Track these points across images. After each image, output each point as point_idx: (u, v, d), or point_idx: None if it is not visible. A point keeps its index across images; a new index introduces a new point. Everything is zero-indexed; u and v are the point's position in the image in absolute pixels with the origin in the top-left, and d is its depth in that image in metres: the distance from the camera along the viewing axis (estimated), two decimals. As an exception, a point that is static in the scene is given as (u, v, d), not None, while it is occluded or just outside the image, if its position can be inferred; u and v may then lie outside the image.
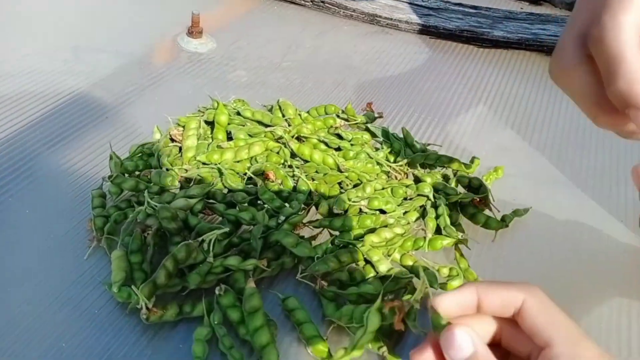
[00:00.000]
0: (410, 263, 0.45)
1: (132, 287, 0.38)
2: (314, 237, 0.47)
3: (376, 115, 0.64)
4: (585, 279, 0.49)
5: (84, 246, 0.46)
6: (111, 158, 0.50)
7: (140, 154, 0.53)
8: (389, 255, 0.46)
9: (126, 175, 0.50)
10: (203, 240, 0.42)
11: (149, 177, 0.49)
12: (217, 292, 0.40)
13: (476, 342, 0.30)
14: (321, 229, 0.48)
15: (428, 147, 0.58)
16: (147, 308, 0.39)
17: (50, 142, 0.56)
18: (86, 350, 0.38)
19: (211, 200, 0.48)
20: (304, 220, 0.48)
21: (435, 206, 0.49)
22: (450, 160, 0.54)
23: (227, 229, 0.43)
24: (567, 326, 0.30)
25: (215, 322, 0.39)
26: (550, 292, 0.46)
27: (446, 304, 0.31)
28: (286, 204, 0.48)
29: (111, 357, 0.38)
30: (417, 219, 0.50)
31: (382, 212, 0.48)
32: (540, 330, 0.29)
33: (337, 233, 0.47)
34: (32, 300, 0.41)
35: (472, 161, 0.57)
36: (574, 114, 0.71)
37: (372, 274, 0.44)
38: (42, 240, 0.46)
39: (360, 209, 0.48)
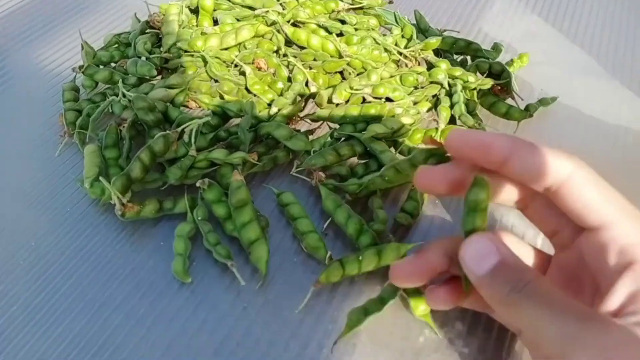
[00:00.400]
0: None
1: (102, 178, 0.34)
2: (311, 132, 0.42)
3: (386, -1, 0.56)
4: (618, 173, 0.43)
5: (55, 143, 0.41)
6: (82, 48, 0.45)
7: (116, 45, 0.47)
8: (395, 149, 0.40)
9: (100, 67, 0.45)
10: (184, 132, 0.38)
11: (125, 67, 0.44)
12: (199, 185, 0.36)
13: (502, 250, 0.25)
14: (320, 122, 0.43)
15: (444, 33, 0.51)
16: (122, 203, 0.35)
17: (18, 37, 0.51)
18: (58, 249, 0.35)
19: (194, 91, 0.42)
20: (301, 114, 0.43)
21: (450, 94, 0.43)
22: (469, 44, 0.47)
23: (209, 118, 0.38)
24: (628, 205, 0.25)
25: (199, 218, 0.35)
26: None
27: (463, 138, 0.26)
28: (280, 96, 0.43)
29: (86, 255, 0.35)
30: (429, 109, 0.44)
31: (389, 100, 0.42)
32: (596, 208, 0.25)
33: (337, 126, 0.42)
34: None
35: (494, 48, 0.50)
36: (611, 1, 0.62)
37: (375, 167, 0.39)
38: (10, 141, 0.42)
39: (364, 98, 0.42)
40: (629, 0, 0.43)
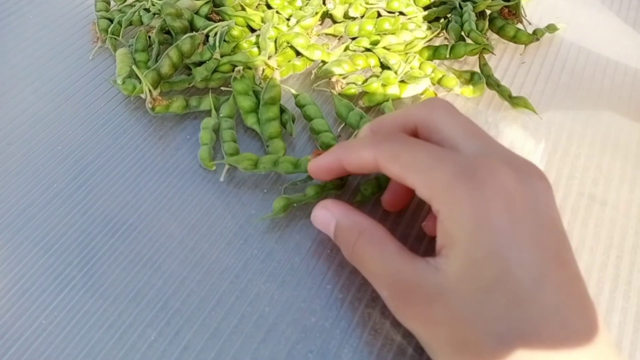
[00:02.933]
0: (429, 70, 0.42)
1: (135, 68, 0.37)
2: (327, 46, 0.44)
3: None
4: (619, 101, 0.45)
5: (88, 49, 0.44)
6: (112, -37, 0.47)
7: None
8: (408, 63, 0.43)
9: (130, -19, 0.47)
10: (208, 35, 0.40)
11: (153, -19, 0.46)
12: (234, 74, 0.38)
13: (336, 214, 0.29)
14: (337, 38, 0.45)
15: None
16: (152, 97, 0.37)
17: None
18: (94, 139, 0.38)
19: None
20: (318, 31, 0.45)
21: (460, 15, 0.45)
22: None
23: (233, 22, 0.40)
24: (422, 159, 0.25)
25: (222, 115, 0.38)
26: (580, 105, 0.42)
27: (315, 170, 0.31)
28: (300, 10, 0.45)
29: (119, 146, 0.38)
30: (441, 30, 0.46)
31: (403, 15, 0.44)
32: (402, 180, 0.26)
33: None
34: (38, 93, 0.41)
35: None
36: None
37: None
38: (48, 46, 0.45)
39: (379, 13, 0.44)
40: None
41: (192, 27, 0.42)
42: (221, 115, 0.38)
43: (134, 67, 0.36)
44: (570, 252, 0.24)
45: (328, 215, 0.29)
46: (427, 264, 0.25)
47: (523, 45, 0.46)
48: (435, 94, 0.41)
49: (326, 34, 0.45)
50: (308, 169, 0.31)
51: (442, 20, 0.46)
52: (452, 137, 0.26)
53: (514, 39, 0.46)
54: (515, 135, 0.40)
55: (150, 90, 0.37)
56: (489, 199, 0.23)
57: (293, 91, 0.40)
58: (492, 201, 0.23)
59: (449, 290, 0.23)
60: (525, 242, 0.23)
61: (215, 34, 0.40)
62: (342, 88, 0.40)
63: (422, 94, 0.41)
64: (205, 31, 0.40)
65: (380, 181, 0.35)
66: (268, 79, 0.38)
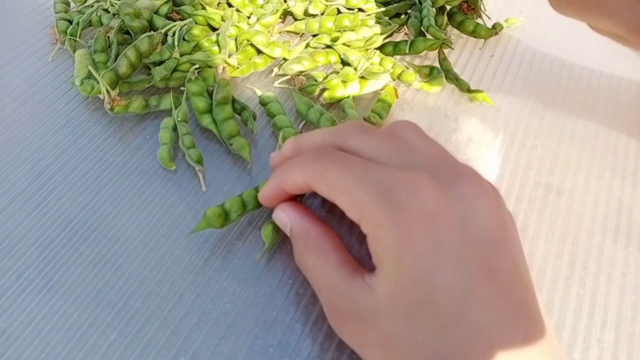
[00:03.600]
0: (389, 66, 0.43)
1: (91, 68, 0.36)
2: (289, 44, 0.45)
3: None
4: (575, 94, 0.46)
5: (48, 51, 0.44)
6: (71, -37, 0.47)
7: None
8: (368, 59, 0.43)
9: (89, -18, 0.47)
10: (167, 35, 0.40)
11: (112, -18, 0.46)
12: (189, 75, 0.38)
13: (291, 218, 0.30)
14: (299, 36, 0.45)
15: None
16: (111, 97, 0.37)
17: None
18: (52, 141, 0.38)
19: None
20: (279, 30, 0.45)
21: (420, 11, 0.46)
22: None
23: (191, 20, 0.41)
24: (347, 183, 0.25)
25: (179, 119, 0.38)
26: (537, 98, 0.43)
27: (264, 200, 0.31)
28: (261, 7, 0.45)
29: (78, 147, 0.38)
30: (401, 25, 0.46)
31: (362, 11, 0.45)
32: (329, 198, 0.26)
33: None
34: (-5, 96, 0.41)
35: (464, -27, 0.52)
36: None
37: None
38: (4, 46, 0.44)
39: (339, 10, 0.44)
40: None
41: (151, 27, 0.42)
42: (178, 119, 0.37)
43: (90, 67, 0.36)
44: (505, 259, 0.23)
45: (285, 218, 0.30)
46: (362, 282, 0.25)
47: (483, 40, 0.47)
48: (395, 90, 0.41)
49: (287, 32, 0.45)
50: (259, 200, 0.32)
51: (402, 16, 0.47)
52: (376, 158, 0.26)
53: (474, 33, 0.47)
54: (474, 127, 0.41)
55: (108, 91, 0.36)
56: (409, 221, 0.23)
57: (258, 91, 0.40)
58: (412, 223, 0.23)
59: (380, 312, 0.23)
60: (448, 262, 0.22)
61: (174, 33, 0.40)
62: (302, 85, 0.40)
63: (382, 89, 0.41)
64: (163, 30, 0.40)
65: None
66: (219, 80, 0.38)
